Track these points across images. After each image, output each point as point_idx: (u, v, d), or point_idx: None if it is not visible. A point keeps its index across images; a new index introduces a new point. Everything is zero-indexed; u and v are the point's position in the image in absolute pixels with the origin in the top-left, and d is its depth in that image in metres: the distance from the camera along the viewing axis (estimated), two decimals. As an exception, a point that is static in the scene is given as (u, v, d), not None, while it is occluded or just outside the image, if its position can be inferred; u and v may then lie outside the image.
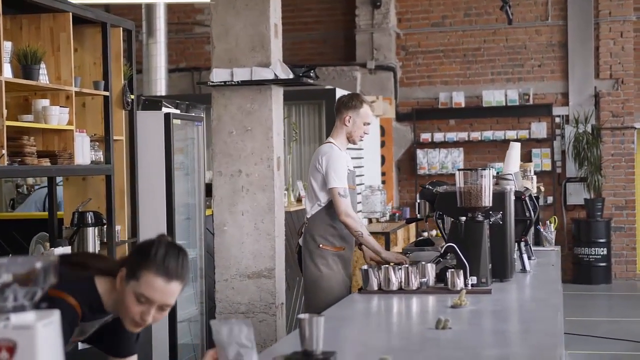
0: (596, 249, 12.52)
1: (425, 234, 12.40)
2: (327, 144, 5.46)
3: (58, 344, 1.80)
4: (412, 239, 11.08)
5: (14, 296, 1.76)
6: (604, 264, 12.57)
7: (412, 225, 11.67)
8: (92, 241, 5.52)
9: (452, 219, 4.60)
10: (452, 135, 13.16)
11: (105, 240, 5.71)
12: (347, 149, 5.59)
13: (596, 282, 12.46)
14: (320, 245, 5.33)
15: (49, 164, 5.12)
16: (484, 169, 4.50)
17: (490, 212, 4.55)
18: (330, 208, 5.31)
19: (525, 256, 5.15)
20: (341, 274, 5.35)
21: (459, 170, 4.54)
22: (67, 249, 5.03)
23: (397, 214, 11.50)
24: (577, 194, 12.88)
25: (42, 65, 5.11)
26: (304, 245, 5.41)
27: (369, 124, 5.48)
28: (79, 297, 2.66)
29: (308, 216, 5.42)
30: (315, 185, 5.36)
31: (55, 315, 1.80)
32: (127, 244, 6.03)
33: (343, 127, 5.43)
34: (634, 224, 12.94)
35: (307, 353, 2.71)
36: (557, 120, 13.05)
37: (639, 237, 13.12)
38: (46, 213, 5.99)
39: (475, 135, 13.09)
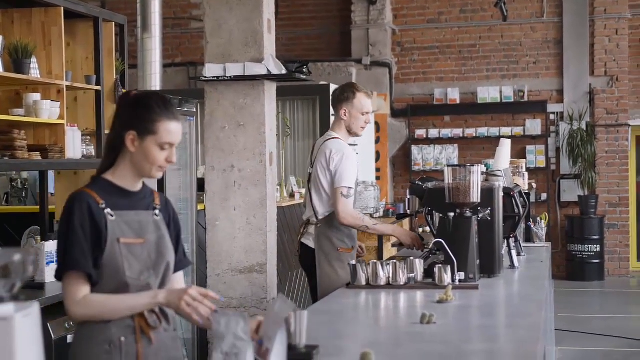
0: (590, 245, 12.55)
1: (421, 229, 12.45)
2: (334, 139, 5.29)
3: (37, 336, 1.81)
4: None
5: (-8, 288, 1.78)
6: (597, 261, 12.60)
7: (407, 221, 11.71)
8: (83, 235, 5.52)
9: (441, 215, 4.61)
10: (447, 132, 13.18)
11: (96, 234, 5.71)
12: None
13: (589, 279, 12.49)
14: (339, 249, 5.19)
15: (39, 158, 5.14)
16: (473, 166, 4.51)
17: (479, 208, 4.56)
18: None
19: (514, 252, 5.16)
20: None
21: (447, 166, 4.55)
22: (56, 243, 5.04)
23: (391, 210, 11.53)
24: (571, 191, 12.90)
25: (33, 60, 5.13)
26: (320, 249, 5.21)
27: (367, 113, 5.30)
28: (93, 187, 2.92)
29: (319, 217, 5.23)
30: (327, 184, 5.20)
31: (34, 307, 1.82)
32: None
33: (341, 121, 5.31)
34: (628, 221, 12.98)
35: (291, 347, 2.74)
36: (552, 117, 13.07)
37: (632, 234, 13.16)
38: (38, 207, 6.00)
39: (470, 131, 13.11)
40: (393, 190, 13.43)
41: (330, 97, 5.48)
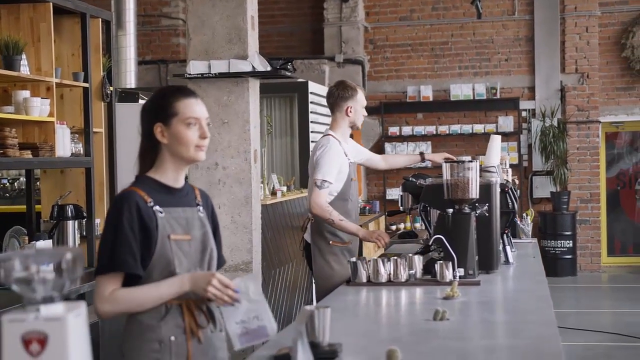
0: (562, 241, 12.65)
1: (394, 227, 12.47)
2: (325, 136, 5.34)
3: (87, 335, 1.77)
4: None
5: (43, 287, 1.73)
6: (569, 257, 12.71)
7: (382, 219, 11.73)
8: (72, 234, 5.45)
9: (439, 211, 4.60)
10: (420, 129, 13.20)
11: (85, 233, 5.64)
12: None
13: (562, 275, 12.59)
14: (331, 242, 5.23)
15: (30, 156, 5.05)
16: (471, 161, 4.51)
17: (477, 204, 4.56)
18: (336, 202, 5.20)
19: (508, 248, 5.18)
20: None
21: (446, 162, 4.54)
22: (48, 243, 4.96)
23: (367, 208, 11.55)
24: (543, 187, 13.00)
25: (23, 56, 5.04)
26: (314, 243, 5.27)
27: (364, 105, 5.47)
28: (139, 185, 2.90)
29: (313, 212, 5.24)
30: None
31: (82, 307, 1.77)
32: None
33: (345, 118, 5.35)
34: (599, 217, 13.10)
35: (314, 344, 2.71)
36: (524, 114, 13.15)
37: (603, 229, 13.29)
38: (23, 206, 5.90)
39: (443, 128, 13.14)
40: (367, 188, 13.43)
41: (328, 98, 5.42)
